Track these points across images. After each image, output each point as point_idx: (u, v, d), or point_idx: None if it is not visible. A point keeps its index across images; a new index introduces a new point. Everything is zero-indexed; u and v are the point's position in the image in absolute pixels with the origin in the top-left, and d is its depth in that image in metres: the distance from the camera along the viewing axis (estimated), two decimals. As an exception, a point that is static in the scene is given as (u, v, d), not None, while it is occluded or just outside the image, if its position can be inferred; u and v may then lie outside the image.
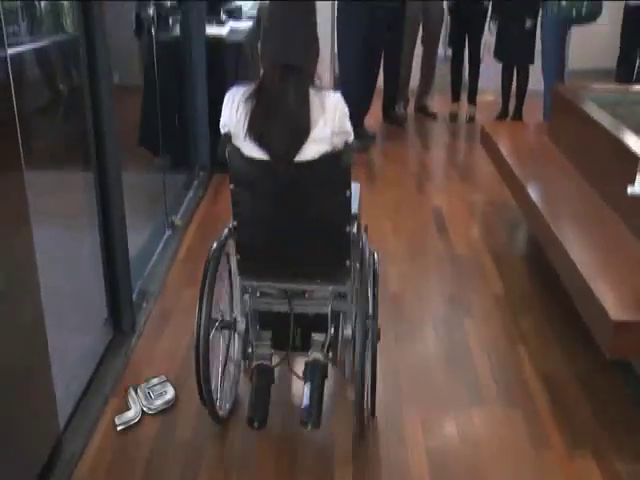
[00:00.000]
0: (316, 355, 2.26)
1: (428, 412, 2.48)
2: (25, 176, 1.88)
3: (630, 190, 2.17)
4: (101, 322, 2.75)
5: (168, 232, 3.69)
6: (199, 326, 2.20)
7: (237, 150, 2.05)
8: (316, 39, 2.09)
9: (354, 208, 2.30)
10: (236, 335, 2.45)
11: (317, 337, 2.30)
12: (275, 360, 2.31)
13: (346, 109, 2.08)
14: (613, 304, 2.17)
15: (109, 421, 2.40)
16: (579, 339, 2.74)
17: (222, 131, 2.09)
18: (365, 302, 2.18)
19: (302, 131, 2.00)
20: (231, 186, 2.11)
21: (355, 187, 2.26)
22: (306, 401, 2.14)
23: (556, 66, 4.96)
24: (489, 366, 2.71)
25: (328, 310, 2.28)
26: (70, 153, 2.83)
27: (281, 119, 2.00)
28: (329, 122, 2.01)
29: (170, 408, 2.49)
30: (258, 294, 2.35)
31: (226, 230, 2.28)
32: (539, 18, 5.03)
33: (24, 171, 1.88)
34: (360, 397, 2.19)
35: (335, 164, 2.06)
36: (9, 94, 1.81)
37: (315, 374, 2.21)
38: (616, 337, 2.11)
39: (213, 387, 2.28)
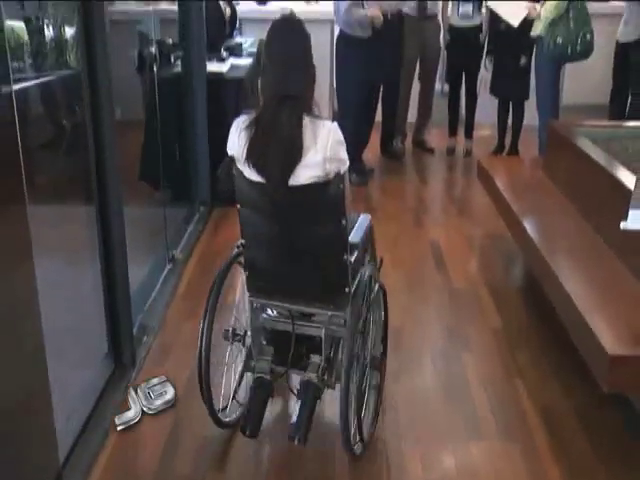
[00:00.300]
0: (311, 376, 2.33)
1: (427, 446, 2.48)
2: (28, 209, 1.91)
3: (623, 225, 2.20)
4: (101, 356, 2.76)
5: (168, 266, 3.71)
6: (202, 336, 2.36)
7: (240, 173, 2.20)
8: (312, 67, 2.19)
9: (357, 237, 2.42)
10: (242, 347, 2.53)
11: (315, 359, 2.38)
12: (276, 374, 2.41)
13: (340, 138, 2.16)
14: (609, 338, 2.19)
15: (109, 455, 2.41)
16: (576, 372, 2.75)
17: (228, 153, 2.24)
18: (354, 330, 2.24)
19: (294, 155, 2.10)
20: (238, 206, 2.30)
21: (364, 218, 2.52)
22: (294, 418, 2.25)
23: (551, 102, 5.02)
24: (487, 400, 2.72)
25: (322, 334, 2.35)
26: (72, 187, 2.87)
27: (276, 144, 2.12)
28: (320, 149, 2.10)
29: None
30: (265, 311, 2.47)
31: (235, 247, 2.43)
32: (533, 55, 5.11)
33: (27, 205, 1.91)
34: (345, 419, 2.23)
35: (327, 192, 2.14)
36: (14, 130, 1.84)
37: (307, 394, 2.30)
38: (613, 371, 2.13)
39: (222, 395, 2.43)
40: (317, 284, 2.34)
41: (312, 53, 2.20)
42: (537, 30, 4.85)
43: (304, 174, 2.11)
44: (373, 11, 4.84)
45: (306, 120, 2.11)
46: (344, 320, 2.33)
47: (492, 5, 5.15)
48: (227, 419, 2.49)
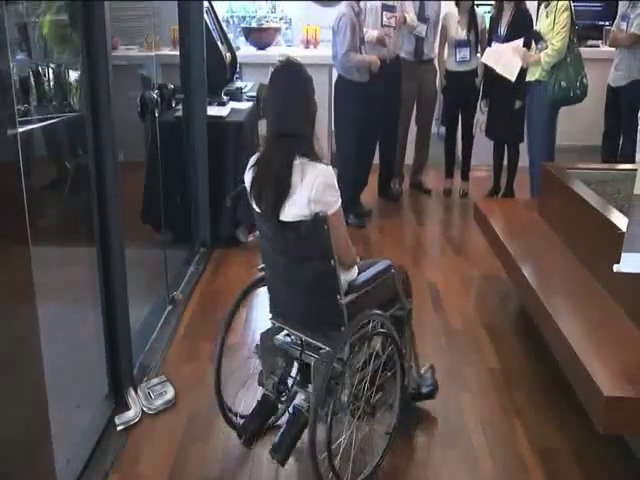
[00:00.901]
0: (302, 403, 2.42)
1: (425, 487, 2.48)
2: (30, 250, 1.94)
3: (616, 267, 2.23)
4: (102, 397, 2.76)
5: (169, 307, 3.73)
6: (218, 349, 2.56)
7: (249, 203, 2.39)
8: (312, 107, 2.29)
9: (362, 279, 2.45)
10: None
11: (310, 389, 2.46)
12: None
13: (330, 181, 2.24)
14: (605, 379, 2.21)
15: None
16: (573, 411, 2.76)
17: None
18: (328, 369, 2.28)
19: (282, 192, 2.24)
20: (257, 232, 2.50)
21: (382, 263, 2.59)
22: (276, 439, 2.39)
23: (547, 145, 5.09)
24: (485, 440, 2.72)
25: (317, 365, 2.41)
26: (74, 228, 2.91)
27: (269, 181, 2.27)
28: (306, 190, 2.21)
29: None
30: (279, 333, 2.59)
31: (257, 271, 2.59)
32: (528, 99, 5.20)
33: (30, 247, 1.94)
34: (313, 459, 2.27)
35: (314, 231, 2.23)
36: (18, 172, 1.87)
37: (295, 420, 2.41)
38: (609, 412, 2.14)
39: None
40: (315, 317, 2.43)
41: (312, 94, 2.30)
42: (535, 75, 4.96)
43: (291, 211, 2.25)
44: (371, 57, 4.96)
45: (298, 161, 2.23)
46: (339, 358, 2.35)
47: (488, 62, 5.25)
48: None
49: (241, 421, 2.64)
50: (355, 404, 2.39)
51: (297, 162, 2.23)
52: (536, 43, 4.94)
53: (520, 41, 5.08)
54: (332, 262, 2.25)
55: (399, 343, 2.54)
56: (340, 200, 2.28)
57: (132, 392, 2.49)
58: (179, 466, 2.56)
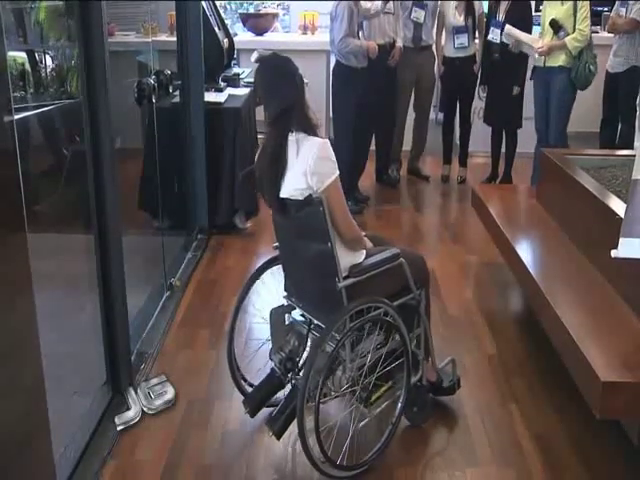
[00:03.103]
0: (300, 382, 2.41)
1: (423, 472, 2.49)
2: (27, 237, 1.94)
3: (614, 253, 2.23)
4: (99, 384, 2.76)
5: (166, 294, 3.73)
6: (232, 315, 2.68)
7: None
8: (296, 84, 2.32)
9: (367, 263, 2.43)
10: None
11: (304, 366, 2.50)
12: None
13: (326, 154, 2.27)
14: (602, 365, 2.21)
15: (107, 483, 2.41)
16: (571, 398, 2.77)
17: None
18: (318, 345, 2.35)
19: (278, 170, 2.31)
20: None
21: (389, 251, 2.49)
22: (274, 411, 2.45)
23: (564, 130, 5.18)
24: (483, 426, 2.73)
25: (312, 345, 2.50)
26: (71, 215, 2.90)
27: (266, 163, 2.36)
28: (301, 163, 2.27)
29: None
30: (296, 312, 2.65)
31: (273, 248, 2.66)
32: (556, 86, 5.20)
33: (27, 234, 1.93)
34: (301, 436, 2.32)
35: (310, 211, 2.27)
36: (14, 159, 1.87)
37: (291, 395, 2.46)
38: (605, 397, 2.15)
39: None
40: (318, 298, 2.49)
41: (293, 71, 2.33)
42: (558, 61, 5.00)
43: (288, 186, 2.31)
44: (369, 42, 4.94)
45: (293, 137, 2.30)
46: (334, 339, 2.40)
47: (511, 32, 5.16)
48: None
49: (250, 390, 2.71)
50: (352, 388, 2.40)
51: (292, 138, 2.30)
52: (556, 32, 4.96)
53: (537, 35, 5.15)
54: (329, 244, 2.27)
55: (404, 333, 2.50)
56: (338, 172, 2.29)
57: (132, 392, 2.49)
58: (177, 452, 2.56)
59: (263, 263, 2.73)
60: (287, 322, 2.68)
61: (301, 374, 2.53)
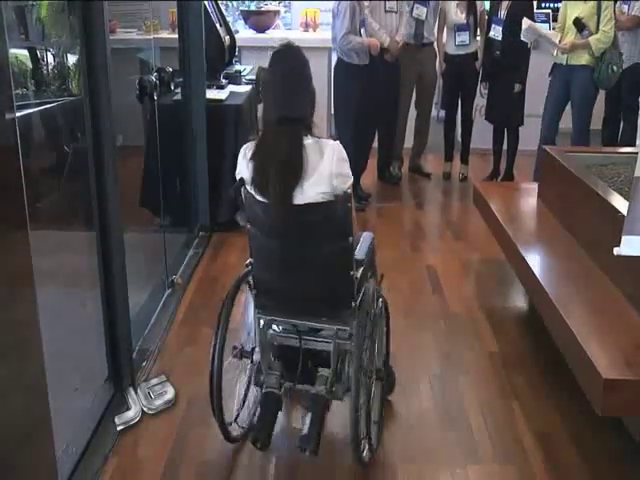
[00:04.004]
0: (319, 389, 2.39)
1: (424, 469, 2.50)
2: (29, 235, 1.94)
3: (616, 251, 2.23)
4: (101, 381, 2.77)
5: (168, 291, 3.73)
6: (213, 357, 2.40)
7: (249, 194, 2.29)
8: (311, 90, 2.29)
9: (362, 254, 2.50)
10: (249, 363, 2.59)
11: (323, 372, 2.45)
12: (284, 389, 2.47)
13: (344, 155, 2.27)
14: (603, 362, 2.21)
15: (109, 480, 2.42)
16: (572, 395, 2.77)
17: (237, 177, 2.34)
18: (361, 343, 2.33)
19: (294, 175, 2.19)
20: (248, 225, 2.34)
21: (367, 236, 2.60)
22: (305, 430, 2.32)
23: (587, 129, 5.21)
24: (484, 423, 2.74)
25: (331, 348, 2.42)
26: (73, 212, 2.90)
27: (276, 165, 2.21)
28: (327, 165, 2.21)
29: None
30: (273, 327, 2.53)
31: (245, 266, 2.49)
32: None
33: (29, 231, 1.93)
34: (355, 430, 2.30)
35: (335, 210, 2.23)
36: (16, 156, 1.87)
37: (316, 407, 2.37)
38: (607, 394, 2.15)
39: (235, 410, 2.52)
40: (323, 299, 2.43)
41: (311, 77, 2.30)
42: (581, 60, 5.02)
43: (312, 191, 2.21)
44: (371, 39, 4.94)
45: (309, 140, 2.23)
46: (349, 334, 2.40)
47: (533, 27, 5.14)
48: (235, 433, 2.54)
49: (241, 430, 2.58)
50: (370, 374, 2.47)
51: (309, 141, 2.23)
52: (580, 31, 4.97)
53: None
54: (350, 239, 2.27)
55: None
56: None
57: (132, 392, 2.49)
58: (178, 450, 2.57)
59: (234, 286, 2.50)
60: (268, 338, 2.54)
61: (315, 385, 2.43)
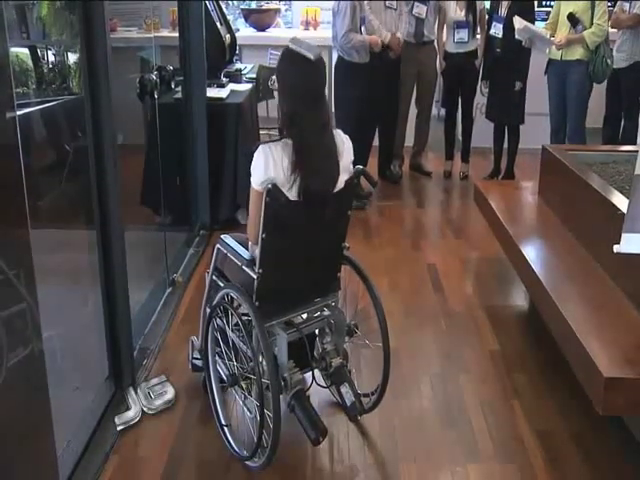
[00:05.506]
0: (336, 361, 2.54)
1: (425, 468, 2.50)
2: (30, 233, 1.93)
3: (616, 248, 2.23)
4: (102, 379, 2.77)
5: (169, 289, 3.74)
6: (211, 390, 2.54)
7: (282, 197, 2.22)
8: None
9: None
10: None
11: (328, 346, 2.57)
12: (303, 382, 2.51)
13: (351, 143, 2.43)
14: (604, 361, 2.21)
15: (109, 478, 2.41)
16: (573, 393, 2.77)
17: (261, 186, 2.23)
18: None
19: (337, 164, 2.33)
20: (263, 235, 2.25)
21: None
22: (349, 398, 2.49)
23: (583, 125, 5.27)
24: (485, 422, 2.74)
25: (331, 320, 2.58)
26: (74, 211, 2.90)
27: (324, 162, 2.30)
28: (347, 154, 2.38)
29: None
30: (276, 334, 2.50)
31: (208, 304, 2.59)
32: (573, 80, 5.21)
33: (30, 229, 1.93)
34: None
35: (353, 189, 2.40)
36: (17, 155, 1.87)
37: (345, 375, 2.53)
38: (607, 393, 2.15)
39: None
40: (324, 281, 2.55)
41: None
42: (575, 55, 5.07)
43: (342, 179, 2.35)
44: (372, 37, 4.93)
45: (334, 132, 2.36)
46: (334, 302, 2.57)
47: (526, 27, 5.11)
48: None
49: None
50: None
51: (334, 133, 2.36)
52: (574, 26, 5.02)
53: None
54: (349, 212, 2.44)
55: None
56: None
57: (132, 392, 2.49)
58: (179, 449, 2.57)
59: (211, 312, 2.56)
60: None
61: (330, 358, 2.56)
